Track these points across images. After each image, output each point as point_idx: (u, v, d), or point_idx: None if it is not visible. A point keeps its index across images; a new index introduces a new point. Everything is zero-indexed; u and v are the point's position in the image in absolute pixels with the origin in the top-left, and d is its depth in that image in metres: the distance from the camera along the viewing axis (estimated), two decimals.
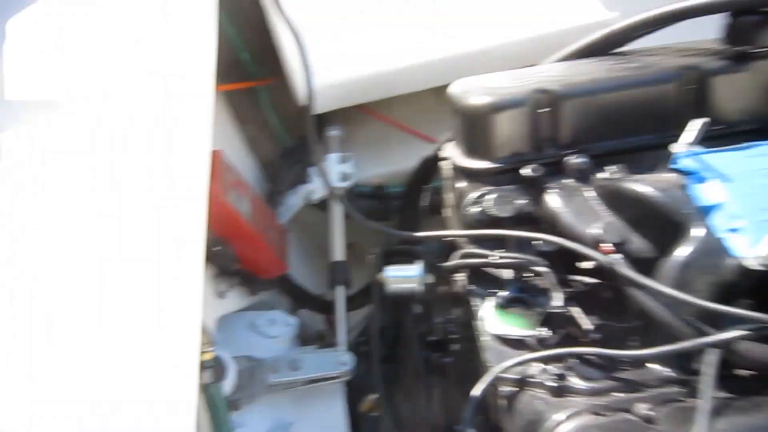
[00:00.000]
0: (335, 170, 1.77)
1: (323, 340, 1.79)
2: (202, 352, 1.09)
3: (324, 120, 1.98)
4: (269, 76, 1.89)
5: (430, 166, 1.73)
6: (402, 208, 1.83)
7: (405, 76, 1.82)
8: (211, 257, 1.34)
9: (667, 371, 1.05)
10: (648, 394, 1.02)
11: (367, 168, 2.03)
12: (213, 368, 1.09)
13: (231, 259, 1.35)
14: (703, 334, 0.98)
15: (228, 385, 1.28)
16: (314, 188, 1.79)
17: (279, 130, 1.91)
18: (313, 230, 2.04)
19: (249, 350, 1.46)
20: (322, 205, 1.86)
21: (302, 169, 1.88)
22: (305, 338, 1.81)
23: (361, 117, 2.10)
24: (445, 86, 1.39)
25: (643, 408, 0.98)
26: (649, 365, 1.06)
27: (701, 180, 1.11)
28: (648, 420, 0.96)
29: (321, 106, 1.82)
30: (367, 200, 1.95)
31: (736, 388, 0.98)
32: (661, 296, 1.02)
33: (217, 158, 1.31)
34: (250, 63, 1.78)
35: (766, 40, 1.30)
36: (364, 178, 2.00)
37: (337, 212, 1.73)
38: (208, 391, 1.09)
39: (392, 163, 2.03)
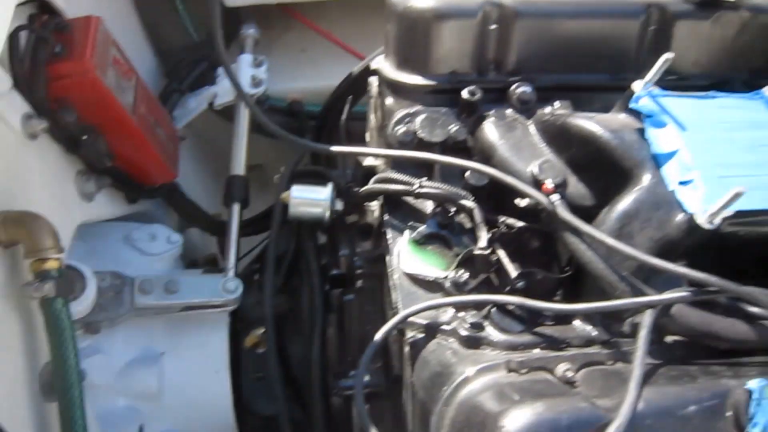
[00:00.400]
0: (246, 73, 1.53)
1: (214, 265, 1.58)
2: (45, 259, 0.87)
3: (241, 18, 1.73)
4: None
5: (355, 85, 1.53)
6: (318, 129, 1.63)
7: None
8: (76, 147, 1.08)
9: (591, 330, 0.95)
10: (570, 353, 0.91)
11: (285, 80, 1.80)
12: (57, 280, 0.87)
13: (102, 153, 1.10)
14: (639, 292, 0.88)
15: (84, 302, 1.07)
16: (219, 91, 1.55)
17: (186, 21, 1.63)
18: (212, 142, 1.80)
19: (120, 266, 1.23)
20: (227, 114, 1.62)
21: (208, 69, 1.62)
22: (193, 262, 1.59)
23: (284, 21, 1.85)
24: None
25: (563, 369, 0.87)
26: (573, 323, 0.96)
27: (657, 125, 0.99)
28: (568, 383, 0.85)
29: None
30: (281, 116, 1.74)
31: (663, 355, 0.88)
32: (599, 246, 0.91)
33: (93, 24, 1.04)
34: None
35: None
36: (280, 91, 1.77)
37: (243, 120, 1.51)
38: (48, 306, 0.87)
39: (314, 78, 1.80)
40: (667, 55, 0.99)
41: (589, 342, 0.93)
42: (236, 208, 1.42)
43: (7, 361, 0.88)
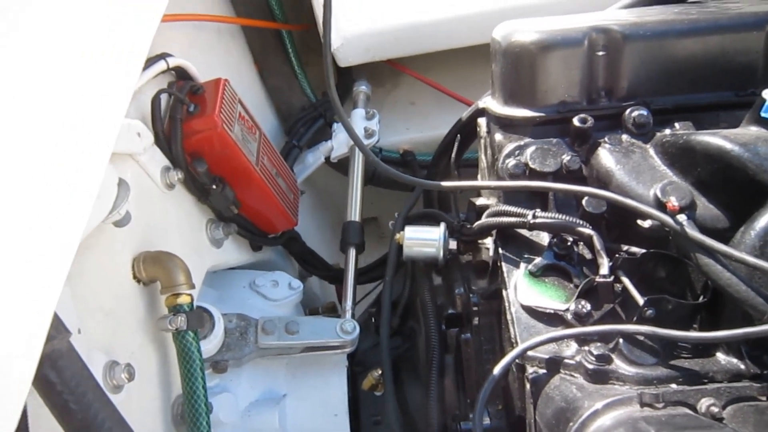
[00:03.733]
0: (359, 126, 1.61)
1: (333, 312, 1.62)
2: (178, 294, 0.94)
3: (353, 76, 1.83)
4: (301, 24, 1.74)
5: (464, 129, 1.55)
6: (431, 176, 1.65)
7: (442, 30, 1.65)
8: (206, 196, 1.18)
9: (738, 363, 0.85)
10: (713, 387, 0.82)
11: (397, 133, 1.86)
12: (189, 314, 0.93)
13: (229, 201, 1.19)
14: None
15: (213, 341, 1.12)
16: (335, 145, 1.63)
17: (304, 83, 1.76)
18: (330, 195, 1.88)
19: (246, 311, 1.29)
20: (342, 168, 1.70)
21: (324, 126, 1.72)
22: (313, 311, 1.64)
23: (394, 77, 1.93)
24: (488, 45, 1.21)
25: (707, 404, 0.78)
26: (716, 355, 0.87)
27: None
28: (713, 418, 0.76)
29: (349, 58, 1.65)
30: (394, 166, 1.78)
31: None
32: (739, 267, 0.82)
33: (221, 85, 1.15)
34: (275, 4, 1.62)
35: None
36: (393, 143, 1.83)
37: (358, 169, 1.57)
38: (180, 338, 0.93)
39: (424, 128, 1.86)
40: None
41: (736, 376, 0.84)
42: (352, 252, 1.46)
43: (145, 392, 0.94)
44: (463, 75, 1.81)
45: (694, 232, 0.86)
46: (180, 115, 1.10)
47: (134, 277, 0.96)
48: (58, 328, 0.62)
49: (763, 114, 0.93)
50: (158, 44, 1.14)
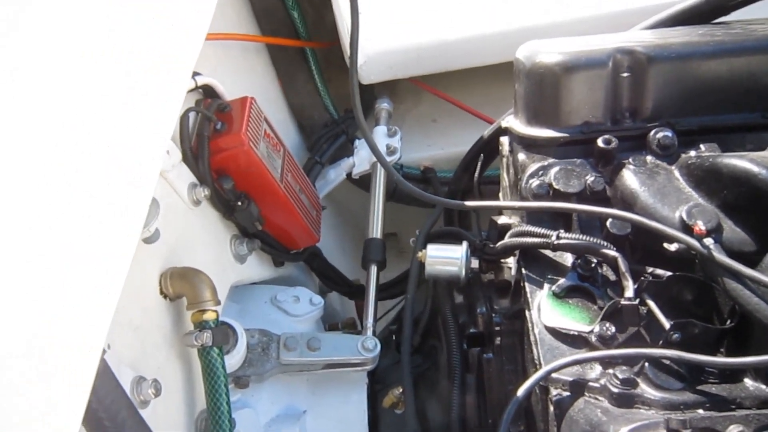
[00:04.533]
0: (381, 143, 1.62)
1: (353, 328, 1.62)
2: (204, 311, 0.95)
3: (375, 93, 1.85)
4: (323, 41, 1.76)
5: (486, 147, 1.55)
6: (452, 193, 1.66)
7: (465, 48, 1.66)
8: (231, 212, 1.20)
9: (765, 388, 0.84)
10: (741, 414, 0.81)
11: (418, 150, 1.87)
12: (214, 330, 0.94)
13: (254, 218, 1.20)
14: None
15: (236, 356, 1.13)
16: (357, 161, 1.65)
17: (327, 100, 1.78)
18: (351, 211, 1.89)
19: (268, 326, 1.30)
20: (364, 184, 1.71)
21: (345, 143, 1.74)
22: (333, 326, 1.65)
23: (415, 94, 1.94)
24: (510, 64, 1.22)
25: (735, 430, 0.77)
26: (744, 381, 0.86)
27: None
28: None
29: (372, 75, 1.67)
30: (415, 183, 1.80)
31: None
32: (767, 291, 0.82)
33: (248, 103, 1.17)
34: (299, 22, 1.65)
35: None
36: (413, 160, 1.84)
37: (380, 185, 1.58)
38: (205, 354, 0.94)
39: (445, 145, 1.86)
40: None
41: (764, 402, 0.83)
42: (373, 269, 1.46)
43: (170, 407, 0.95)
44: (484, 93, 1.82)
45: (721, 256, 0.85)
46: (207, 133, 1.12)
47: (161, 292, 0.97)
48: None
49: None
50: None
